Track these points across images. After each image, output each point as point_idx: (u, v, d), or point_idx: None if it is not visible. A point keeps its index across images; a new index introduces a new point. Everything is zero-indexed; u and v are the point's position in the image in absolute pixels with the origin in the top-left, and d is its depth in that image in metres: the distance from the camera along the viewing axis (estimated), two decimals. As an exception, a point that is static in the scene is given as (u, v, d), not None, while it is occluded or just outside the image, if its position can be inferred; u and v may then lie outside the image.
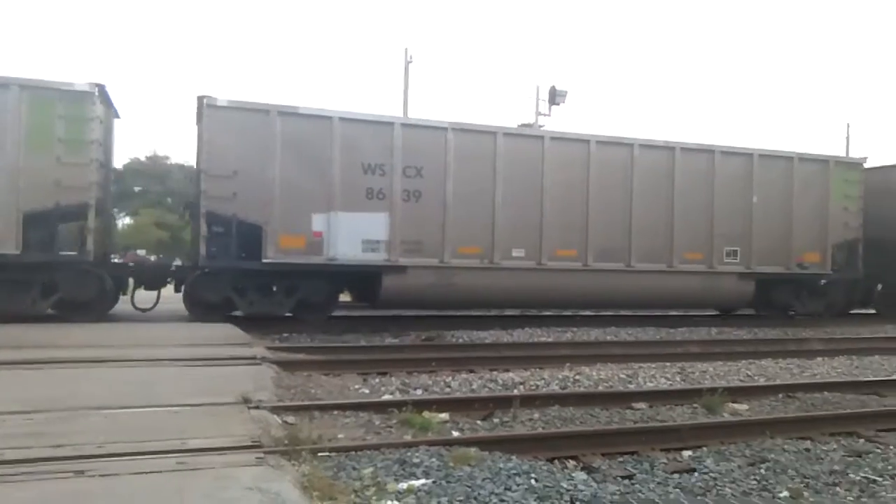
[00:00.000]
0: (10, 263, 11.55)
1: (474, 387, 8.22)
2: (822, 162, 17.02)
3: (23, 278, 11.86)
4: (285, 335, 12.34)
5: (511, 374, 8.84)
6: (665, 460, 5.65)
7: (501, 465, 5.00)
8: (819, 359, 11.07)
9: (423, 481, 4.68)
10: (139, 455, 4.54)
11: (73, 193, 11.70)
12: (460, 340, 12.42)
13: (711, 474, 5.29)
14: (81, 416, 5.49)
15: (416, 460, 5.03)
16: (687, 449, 5.94)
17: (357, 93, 72.93)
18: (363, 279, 13.77)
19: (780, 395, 8.15)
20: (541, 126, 22.87)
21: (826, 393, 8.30)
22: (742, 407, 7.58)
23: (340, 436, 5.83)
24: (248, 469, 4.39)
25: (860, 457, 5.85)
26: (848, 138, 37.77)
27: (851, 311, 18.66)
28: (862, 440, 6.42)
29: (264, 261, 12.67)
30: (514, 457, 5.26)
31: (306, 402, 6.83)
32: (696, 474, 5.30)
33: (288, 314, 13.46)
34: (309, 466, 4.74)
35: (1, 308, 11.75)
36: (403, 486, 4.59)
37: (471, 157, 13.93)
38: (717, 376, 9.36)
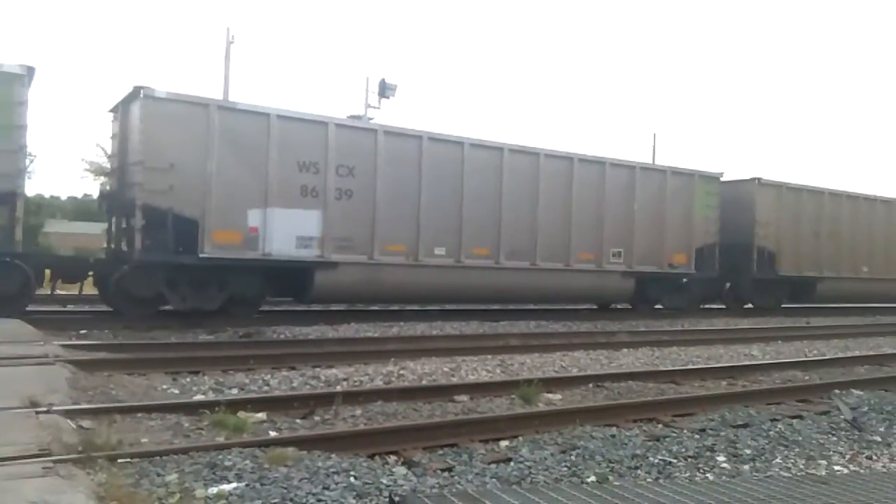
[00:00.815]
0: None
1: (295, 384, 7.95)
2: (689, 175, 19.43)
3: None
4: (83, 332, 11.30)
5: (334, 371, 8.65)
6: (483, 451, 5.74)
7: (320, 465, 4.84)
8: (625, 350, 11.86)
9: (234, 485, 4.41)
10: None
11: (2, 181, 11.18)
12: (282, 337, 12.02)
13: (527, 463, 5.44)
14: None
15: (227, 463, 4.73)
16: (504, 439, 6.09)
17: (178, 71, 68.97)
18: (295, 275, 13.85)
19: (590, 385, 8.60)
20: (370, 119, 22.74)
21: (631, 382, 8.86)
22: (556, 397, 7.91)
23: (144, 440, 5.38)
24: (33, 480, 3.92)
25: (658, 441, 6.28)
26: (654, 147, 40.98)
27: (703, 306, 21.02)
28: (661, 425, 6.90)
29: (201, 255, 12.58)
30: (333, 455, 5.10)
31: (106, 405, 6.24)
32: (512, 463, 5.43)
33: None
34: (106, 474, 4.31)
35: None
36: (213, 490, 4.30)
37: (399, 160, 14.62)
38: (534, 367, 9.73)
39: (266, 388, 7.77)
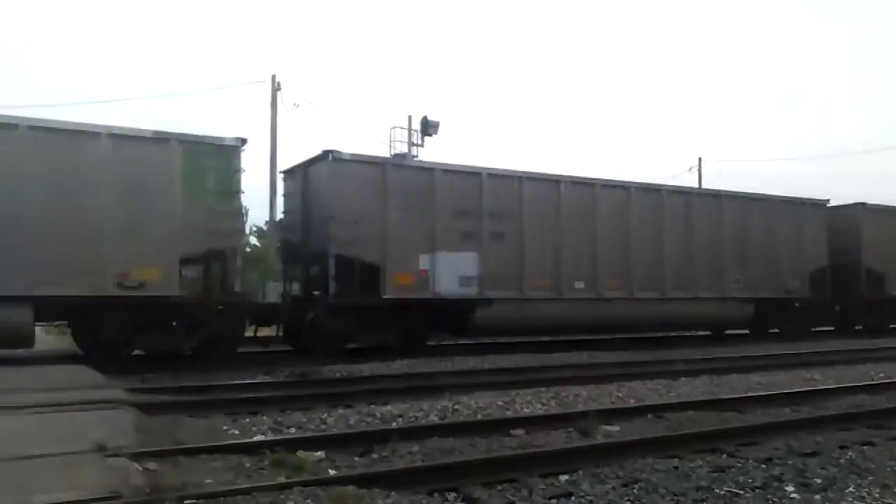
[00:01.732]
0: (167, 304, 12.38)
1: (351, 422, 7.99)
2: (798, 204, 20.76)
3: (178, 318, 12.70)
4: (148, 375, 11.59)
5: (389, 408, 8.67)
6: (543, 486, 5.67)
7: (380, 502, 4.85)
8: (683, 379, 11.62)
9: (297, 525, 4.44)
10: (-29, 517, 4.04)
11: (223, 239, 12.74)
12: (337, 375, 12.12)
13: (588, 497, 5.35)
14: None
15: (290, 503, 4.78)
16: (564, 473, 6.00)
17: (226, 119, 71.02)
18: (457, 311, 15.26)
19: (649, 416, 8.44)
20: (415, 156, 22.99)
21: (691, 412, 8.67)
22: (614, 428, 7.78)
23: (208, 481, 5.47)
24: (104, 523, 4.01)
25: (724, 472, 6.11)
26: (700, 171, 40.48)
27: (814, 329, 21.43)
28: (725, 455, 6.71)
29: (384, 297, 14.19)
30: (393, 492, 5.10)
31: (170, 447, 6.37)
32: (573, 498, 5.35)
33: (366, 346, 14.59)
34: (173, 516, 4.40)
35: (150, 346, 12.54)
36: (276, 531, 4.34)
37: (541, 202, 16.15)
38: (590, 399, 9.59)
39: (323, 426, 7.83)
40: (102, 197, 12.00)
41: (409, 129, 27.90)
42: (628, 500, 5.33)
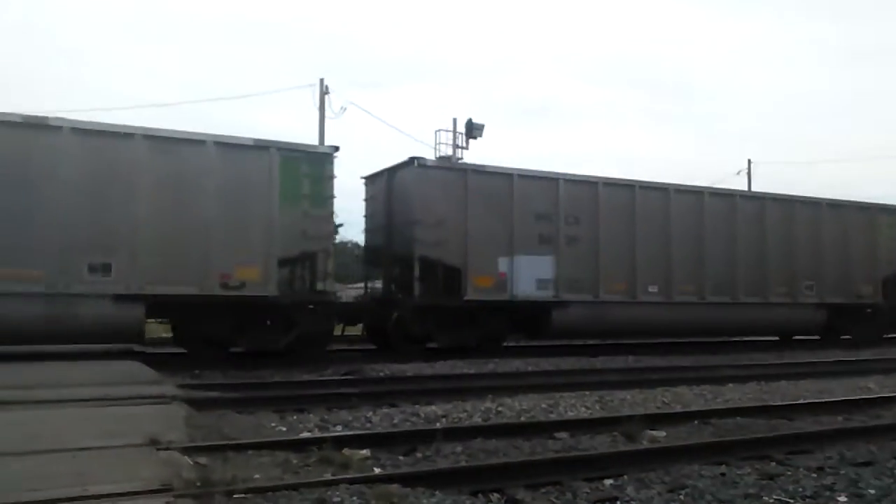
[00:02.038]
0: (265, 304, 13.04)
1: (396, 421, 8.06)
2: (870, 209, 20.55)
3: (274, 316, 13.30)
4: (197, 372, 11.86)
5: (433, 408, 8.72)
6: (587, 490, 5.64)
7: (424, 501, 4.88)
8: (730, 385, 11.42)
9: (343, 521, 4.50)
10: (32, 504, 4.19)
11: (315, 242, 13.34)
12: (381, 374, 12.23)
13: (633, 502, 5.31)
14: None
15: (336, 499, 4.85)
16: (608, 477, 5.96)
17: (274, 122, 72.13)
18: (534, 313, 15.62)
19: (696, 422, 8.32)
20: (459, 159, 23.05)
21: (739, 418, 8.52)
22: (660, 434, 7.69)
23: (256, 476, 5.57)
24: (158, 514, 4.13)
25: (773, 479, 5.99)
26: (749, 174, 39.68)
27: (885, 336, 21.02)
28: (774, 463, 6.59)
29: (464, 298, 14.71)
30: (437, 492, 5.14)
31: (219, 442, 6.51)
32: (617, 503, 5.31)
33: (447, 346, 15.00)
34: (223, 510, 4.50)
35: (249, 344, 13.19)
36: (324, 526, 4.41)
37: (616, 207, 16.44)
38: (635, 404, 9.50)
39: (369, 424, 7.92)
40: (208, 202, 12.64)
41: (454, 131, 27.99)
42: (674, 505, 5.27)
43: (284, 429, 7.68)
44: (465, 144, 27.72)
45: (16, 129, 11.61)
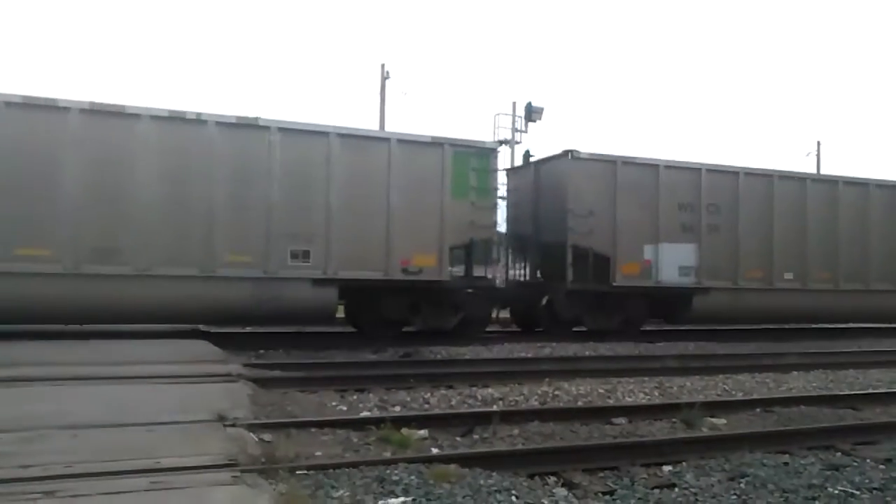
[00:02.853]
0: (439, 288, 14.24)
1: (453, 403, 8.16)
2: None
3: (443, 299, 14.49)
4: (261, 352, 12.19)
5: (490, 390, 8.79)
6: (645, 475, 5.63)
7: (482, 482, 4.96)
8: (794, 373, 11.15)
9: (402, 499, 4.61)
10: (110, 475, 4.42)
11: (482, 230, 14.37)
12: (439, 356, 12.35)
13: (692, 489, 5.28)
14: (49, 436, 5.33)
15: (395, 478, 4.96)
16: (667, 464, 5.93)
17: (333, 106, 72.83)
18: (675, 299, 16.28)
19: (758, 410, 8.18)
20: (517, 142, 22.94)
21: (803, 407, 8.34)
22: (720, 421, 7.59)
23: (318, 453, 5.74)
24: (225, 488, 4.31)
25: (837, 470, 5.87)
26: (819, 156, 38.40)
27: None
28: (839, 454, 6.45)
29: (613, 284, 15.39)
30: (494, 473, 5.21)
31: (283, 420, 6.72)
32: (676, 489, 5.28)
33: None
34: (286, 485, 4.66)
35: (423, 324, 14.47)
36: (382, 503, 4.53)
37: (755, 196, 16.79)
38: (695, 391, 9.38)
39: (426, 405, 8.03)
40: (392, 194, 13.76)
41: (514, 115, 27.89)
42: (734, 494, 5.22)
43: (345, 408, 7.86)
44: (524, 128, 27.71)
45: (236, 130, 12.88)
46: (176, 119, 12.48)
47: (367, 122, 56.02)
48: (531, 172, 16.73)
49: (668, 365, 11.57)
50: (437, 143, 14.07)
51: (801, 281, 17.22)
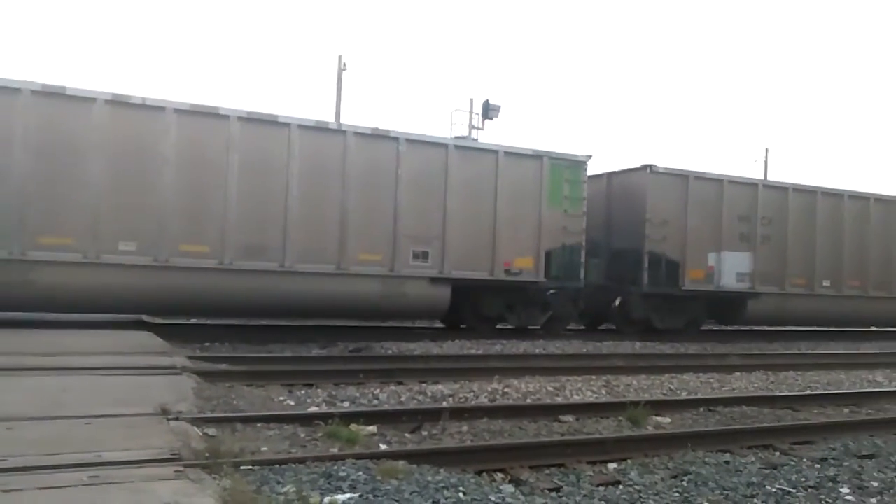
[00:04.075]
0: (536, 288, 15.52)
1: (403, 399, 8.14)
2: None
3: (534, 299, 15.77)
4: (206, 344, 11.97)
5: (440, 387, 8.80)
6: (591, 473, 5.70)
7: (430, 479, 4.95)
8: (737, 374, 11.43)
9: (349, 495, 4.57)
10: (47, 469, 4.28)
11: (572, 236, 15.55)
12: (389, 352, 12.31)
13: (636, 487, 5.36)
14: (-16, 428, 5.14)
15: (342, 474, 4.92)
16: (612, 461, 6.02)
17: (290, 96, 71.83)
18: (731, 303, 17.87)
19: (702, 409, 8.35)
20: (475, 139, 23.01)
21: (744, 407, 8.56)
22: (665, 420, 7.74)
23: (264, 448, 5.66)
24: (167, 483, 4.20)
25: (776, 469, 6.04)
26: (766, 162, 39.43)
27: None
28: (778, 453, 6.64)
29: (682, 288, 16.88)
30: (442, 470, 5.21)
31: (228, 414, 6.61)
32: (621, 487, 5.37)
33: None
34: (231, 480, 4.56)
35: (516, 321, 15.73)
36: (328, 500, 4.48)
37: (801, 210, 18.42)
38: (641, 389, 9.55)
39: (376, 401, 8.00)
40: (498, 202, 14.98)
41: (471, 112, 27.93)
42: (677, 491, 5.33)
43: (292, 403, 7.78)
44: (481, 125, 27.77)
45: (369, 140, 14.01)
46: (320, 129, 13.66)
47: (322, 113, 55.47)
48: (604, 183, 17.80)
49: (615, 364, 11.74)
50: (537, 156, 15.37)
51: (837, 288, 18.88)
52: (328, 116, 26.48)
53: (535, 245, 15.29)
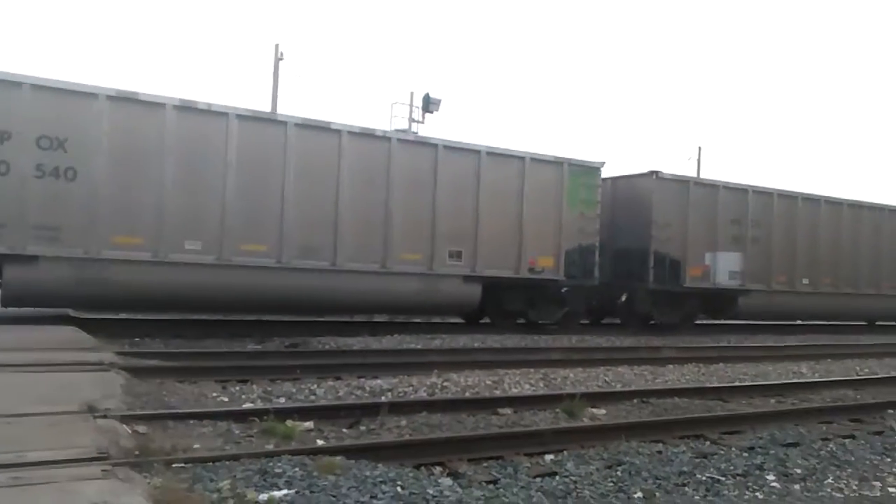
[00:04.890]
0: (555, 285, 16.59)
1: (341, 394, 8.05)
2: None
3: (552, 296, 16.80)
4: (136, 340, 11.62)
5: (379, 381, 8.74)
6: (528, 464, 5.75)
7: (368, 473, 4.90)
8: (670, 366, 11.72)
9: (285, 492, 4.50)
10: (-36, 471, 4.07)
11: (588, 237, 16.61)
12: (327, 347, 12.18)
13: (572, 477, 5.43)
14: None
15: (278, 470, 4.83)
16: (549, 453, 6.08)
17: (225, 86, 70.31)
18: (724, 298, 19.15)
19: (635, 401, 8.53)
20: (415, 132, 22.98)
21: (676, 398, 8.77)
22: (600, 411, 7.87)
23: (196, 446, 5.52)
24: (94, 482, 4.05)
25: (706, 458, 6.20)
26: (699, 160, 40.59)
27: None
28: (708, 442, 6.82)
29: (683, 285, 18.06)
30: (380, 465, 5.17)
31: (159, 411, 6.41)
32: (557, 477, 5.42)
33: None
34: (162, 478, 4.44)
35: (536, 317, 16.74)
36: (264, 497, 4.39)
37: (786, 216, 19.91)
38: (578, 382, 9.68)
39: (313, 397, 7.89)
40: (524, 204, 15.94)
41: (411, 105, 27.90)
42: (611, 481, 5.41)
43: (227, 399, 7.61)
44: (421, 118, 27.76)
45: (412, 147, 15.02)
46: (367, 135, 14.39)
47: (259, 103, 54.37)
48: (609, 186, 18.52)
49: (552, 357, 11.89)
50: (558, 162, 16.46)
51: (814, 285, 20.51)
52: (265, 106, 26.01)
53: (555, 245, 16.32)
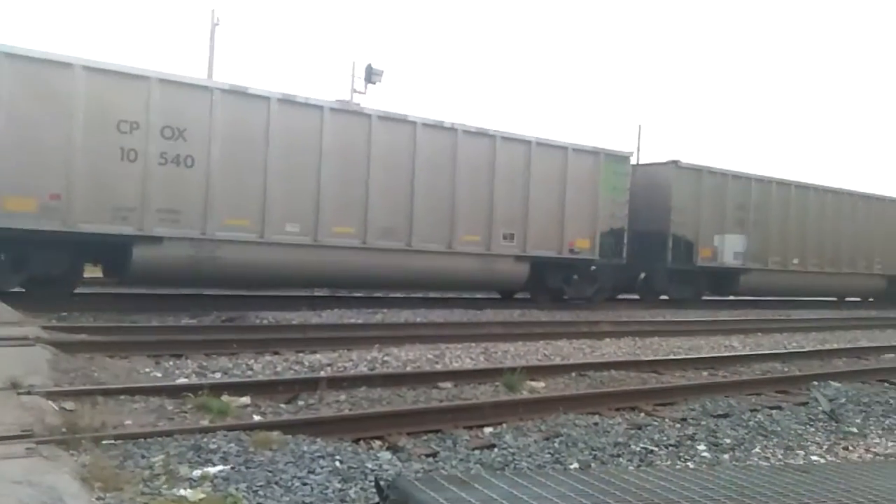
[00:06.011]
0: (589, 264, 18.01)
1: (279, 369, 7.93)
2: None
3: (587, 274, 18.14)
4: (63, 314, 11.20)
5: (318, 356, 8.64)
6: (468, 437, 5.77)
7: (305, 449, 4.84)
8: (607, 339, 11.94)
9: (220, 468, 4.40)
10: None
11: (618, 221, 18.14)
12: (265, 322, 11.97)
13: (510, 449, 5.48)
14: None
15: (212, 446, 4.73)
16: (488, 426, 6.12)
17: (159, 54, 67.88)
18: (728, 276, 21.06)
19: (574, 374, 8.66)
20: (356, 104, 22.67)
21: (613, 371, 8.94)
22: (539, 385, 7.96)
23: (128, 422, 5.36)
24: (18, 461, 3.91)
25: (640, 429, 6.34)
26: (639, 139, 41.31)
27: None
28: (642, 414, 6.98)
29: (696, 265, 19.95)
30: (318, 439, 5.12)
31: (88, 387, 6.18)
32: (496, 450, 5.46)
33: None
34: (90, 456, 4.30)
35: (572, 293, 18.08)
36: (198, 472, 4.29)
37: (781, 202, 22.02)
38: (518, 356, 9.78)
39: (250, 372, 7.74)
40: (567, 190, 17.33)
41: (353, 75, 27.49)
42: (549, 452, 5.48)
43: (159, 374, 7.40)
44: (364, 89, 27.39)
45: (475, 138, 16.08)
46: (437, 127, 15.50)
47: (194, 69, 52.70)
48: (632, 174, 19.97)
49: (493, 332, 11.97)
50: (596, 152, 17.91)
51: (803, 265, 22.66)
52: (201, 73, 25.23)
53: (591, 228, 17.78)
